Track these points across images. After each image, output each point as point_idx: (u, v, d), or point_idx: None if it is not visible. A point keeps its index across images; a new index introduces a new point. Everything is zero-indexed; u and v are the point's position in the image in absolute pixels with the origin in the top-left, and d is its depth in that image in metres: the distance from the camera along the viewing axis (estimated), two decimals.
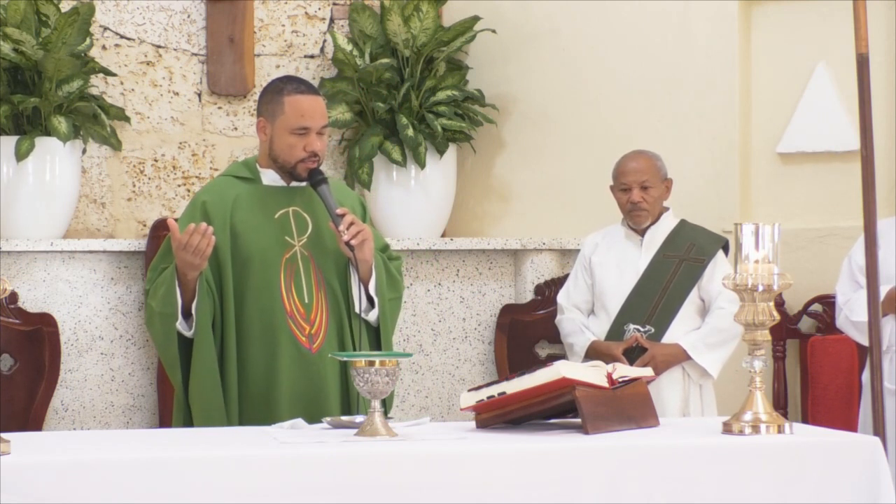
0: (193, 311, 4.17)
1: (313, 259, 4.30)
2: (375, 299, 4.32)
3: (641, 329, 5.32)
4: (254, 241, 4.27)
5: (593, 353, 5.29)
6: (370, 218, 4.61)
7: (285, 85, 4.35)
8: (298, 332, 4.25)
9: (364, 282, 4.29)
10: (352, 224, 4.21)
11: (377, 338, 4.37)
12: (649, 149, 5.50)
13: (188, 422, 4.24)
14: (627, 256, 5.44)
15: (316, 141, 4.29)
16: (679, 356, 5.28)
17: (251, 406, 4.22)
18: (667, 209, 5.48)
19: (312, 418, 3.93)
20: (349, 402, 4.28)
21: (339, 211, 4.24)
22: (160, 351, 4.31)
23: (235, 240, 4.26)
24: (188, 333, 4.20)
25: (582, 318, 5.47)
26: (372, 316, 4.34)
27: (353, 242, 4.19)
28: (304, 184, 4.35)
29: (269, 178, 4.37)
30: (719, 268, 5.34)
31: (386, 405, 4.31)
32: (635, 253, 5.44)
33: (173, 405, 4.38)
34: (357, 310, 4.28)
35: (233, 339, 4.21)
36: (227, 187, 4.36)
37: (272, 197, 4.35)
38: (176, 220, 4.22)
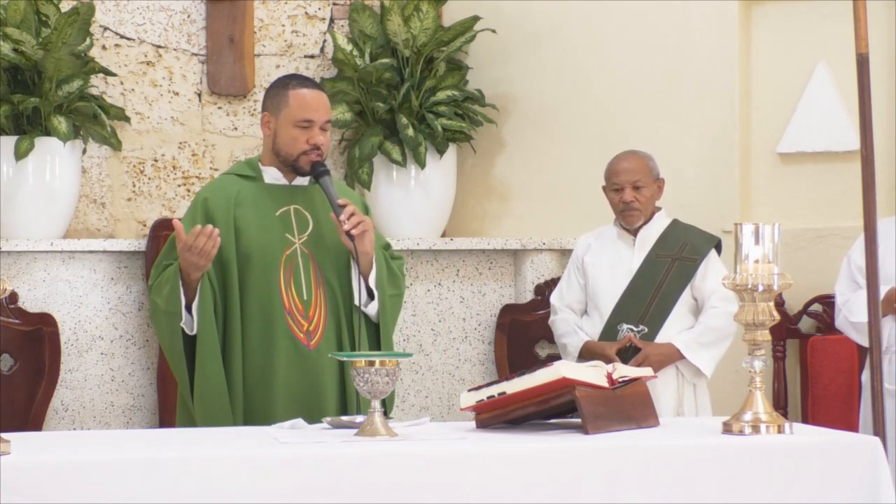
0: (194, 311, 4.18)
1: (313, 257, 4.31)
2: (376, 292, 4.32)
3: (635, 329, 5.31)
4: (255, 238, 4.28)
5: (587, 353, 5.28)
6: (372, 218, 4.62)
7: (290, 80, 4.41)
8: (296, 329, 4.26)
9: (364, 275, 4.30)
10: (353, 215, 4.23)
11: (377, 335, 4.37)
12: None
13: (190, 418, 4.25)
14: (620, 256, 5.43)
15: (319, 135, 4.31)
16: (673, 355, 5.27)
17: (249, 402, 4.23)
18: (659, 209, 5.47)
19: (309, 415, 3.94)
20: (346, 400, 4.28)
21: (340, 201, 4.26)
22: (164, 347, 4.33)
23: (238, 236, 4.28)
24: (190, 332, 4.21)
25: (575, 319, 5.47)
26: (371, 310, 4.35)
27: (353, 232, 4.21)
28: (305, 182, 4.37)
29: (271, 176, 4.39)
30: (712, 267, 5.34)
31: (386, 406, 4.32)
32: (628, 253, 5.43)
33: (176, 402, 4.38)
34: (357, 302, 4.29)
35: (237, 336, 4.23)
36: (228, 185, 4.38)
37: (274, 195, 4.36)
38: (179, 219, 4.23)
